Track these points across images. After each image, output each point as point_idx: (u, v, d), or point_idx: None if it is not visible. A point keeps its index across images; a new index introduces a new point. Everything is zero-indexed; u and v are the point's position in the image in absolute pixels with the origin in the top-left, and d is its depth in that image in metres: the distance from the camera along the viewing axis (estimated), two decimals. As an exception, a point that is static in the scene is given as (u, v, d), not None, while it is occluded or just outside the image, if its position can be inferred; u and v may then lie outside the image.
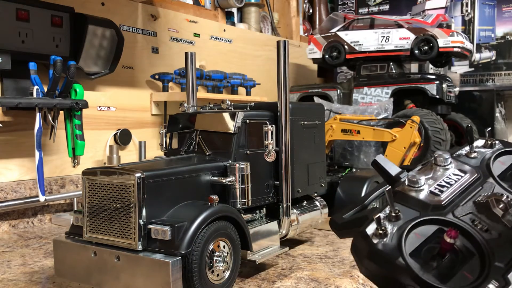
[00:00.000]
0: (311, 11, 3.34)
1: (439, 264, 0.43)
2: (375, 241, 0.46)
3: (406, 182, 0.50)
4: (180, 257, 0.80)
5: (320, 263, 1.08)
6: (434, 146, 1.88)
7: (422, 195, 0.48)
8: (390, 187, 0.50)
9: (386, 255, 0.44)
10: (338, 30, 2.40)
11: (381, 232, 0.46)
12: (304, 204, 1.18)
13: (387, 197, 0.48)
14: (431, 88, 2.11)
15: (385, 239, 0.45)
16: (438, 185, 0.51)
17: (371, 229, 0.47)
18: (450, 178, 0.51)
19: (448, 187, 0.50)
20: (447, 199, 0.47)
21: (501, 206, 0.43)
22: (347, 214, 0.56)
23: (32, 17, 1.44)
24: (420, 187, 0.49)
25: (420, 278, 0.42)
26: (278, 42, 1.06)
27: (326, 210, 1.24)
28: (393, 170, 0.54)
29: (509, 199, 0.44)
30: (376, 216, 0.47)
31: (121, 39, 1.70)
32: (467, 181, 0.51)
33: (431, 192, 0.48)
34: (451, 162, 0.54)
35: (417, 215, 0.47)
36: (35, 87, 1.41)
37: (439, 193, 0.48)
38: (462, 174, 0.52)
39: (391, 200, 0.47)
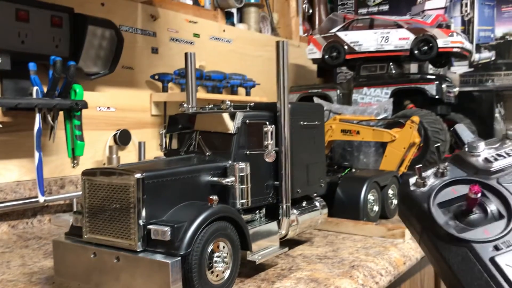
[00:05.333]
0: (310, 11, 3.34)
1: (464, 218, 0.45)
2: (412, 188, 0.50)
3: (466, 147, 0.52)
4: (179, 258, 0.80)
5: (319, 263, 1.08)
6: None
7: (475, 160, 0.51)
8: (439, 144, 0.56)
9: (415, 199, 0.48)
10: (337, 31, 2.40)
11: (420, 182, 0.49)
12: (304, 205, 1.18)
13: (435, 154, 0.54)
14: (431, 89, 2.11)
15: (421, 188, 0.49)
16: (496, 154, 0.52)
17: (414, 179, 0.51)
18: None
19: (504, 157, 0.51)
20: (497, 167, 0.49)
21: None
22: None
23: (32, 17, 1.44)
24: (477, 152, 0.51)
25: (437, 223, 0.44)
26: (277, 43, 1.06)
27: (325, 211, 1.25)
28: (468, 138, 0.57)
29: None
30: (417, 167, 0.51)
31: (121, 39, 1.70)
32: None
33: (485, 158, 0.50)
34: None
35: (464, 175, 0.49)
36: (35, 88, 1.41)
37: (493, 160, 0.50)
38: None
39: (439, 157, 0.53)
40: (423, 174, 0.51)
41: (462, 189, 0.48)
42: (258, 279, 0.98)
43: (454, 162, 0.52)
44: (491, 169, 0.49)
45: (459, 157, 0.52)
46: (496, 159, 0.51)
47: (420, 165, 0.51)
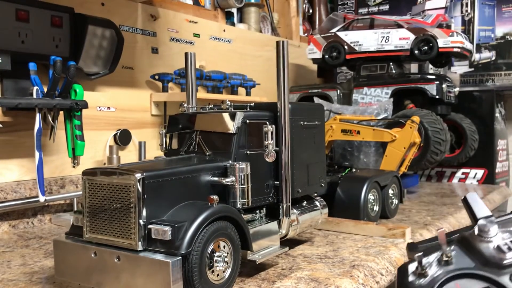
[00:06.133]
0: (311, 11, 3.34)
1: None
2: (411, 278, 0.44)
3: (476, 230, 0.45)
4: (180, 257, 0.80)
5: (320, 263, 1.08)
6: (434, 146, 1.88)
7: (486, 248, 0.44)
8: (444, 229, 0.47)
9: None
10: (338, 30, 2.40)
11: (420, 272, 0.44)
12: (304, 204, 1.18)
13: (439, 239, 0.45)
14: (431, 88, 2.11)
15: (421, 280, 0.44)
16: (510, 241, 0.45)
17: (413, 266, 0.45)
18: None
19: None
20: (511, 260, 0.42)
21: None
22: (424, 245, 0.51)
23: (32, 17, 1.44)
24: (488, 238, 0.45)
25: None
26: (277, 42, 1.06)
27: (326, 210, 1.25)
28: (481, 212, 0.48)
29: None
30: (417, 255, 0.44)
31: (121, 39, 1.70)
32: None
33: (497, 247, 0.43)
34: None
35: (471, 266, 0.43)
36: (35, 88, 1.41)
37: (507, 250, 0.43)
38: None
39: (443, 243, 0.44)
40: (425, 260, 0.45)
41: (467, 285, 0.42)
42: (259, 278, 0.98)
43: (462, 246, 0.45)
44: (504, 262, 0.42)
45: (467, 240, 0.45)
46: (510, 249, 0.44)
47: (421, 253, 0.44)
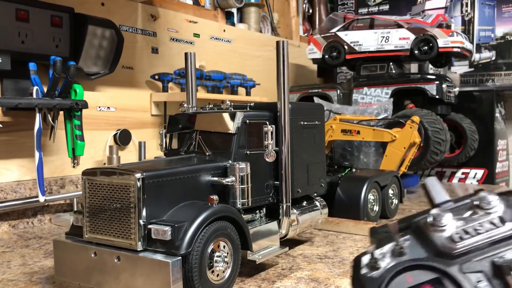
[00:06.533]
0: (311, 11, 3.34)
1: None
2: (363, 271, 0.43)
3: (429, 218, 0.44)
4: (180, 257, 0.80)
5: (320, 263, 1.08)
6: (434, 146, 1.88)
7: (438, 237, 0.43)
8: (396, 221, 0.46)
9: (364, 287, 0.42)
10: (338, 30, 2.40)
11: (373, 264, 0.43)
12: (304, 204, 1.18)
13: (390, 230, 0.44)
14: (431, 88, 2.11)
15: (373, 273, 0.42)
16: (463, 230, 0.43)
17: (367, 258, 0.43)
18: (482, 226, 0.43)
19: (472, 236, 0.43)
20: (462, 249, 0.41)
21: None
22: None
23: (32, 17, 1.44)
24: (441, 227, 0.43)
25: None
26: (277, 42, 1.06)
27: (326, 210, 1.25)
28: (439, 197, 0.47)
29: None
30: (369, 249, 0.43)
31: (121, 39, 1.70)
32: (502, 233, 0.43)
33: (450, 236, 0.42)
34: (496, 206, 0.44)
35: (424, 256, 0.42)
36: (35, 88, 1.41)
37: (458, 240, 0.42)
38: (501, 225, 0.43)
39: (396, 234, 0.43)
40: (379, 252, 0.43)
41: (418, 277, 0.41)
42: (259, 278, 0.98)
43: (416, 236, 0.44)
44: (454, 251, 0.41)
45: (421, 230, 0.44)
46: (461, 238, 0.42)
47: (372, 247, 0.43)
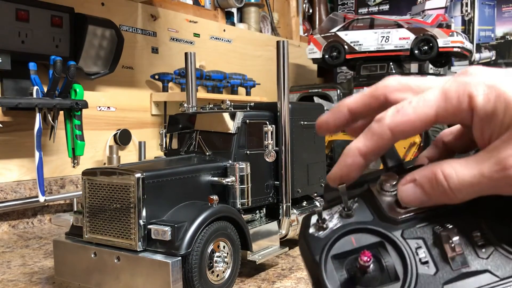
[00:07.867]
0: (311, 11, 3.34)
1: (358, 276, 0.38)
2: (311, 230, 0.42)
3: (380, 180, 0.43)
4: (180, 258, 0.80)
5: (320, 263, 1.08)
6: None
7: (386, 201, 0.42)
8: (344, 184, 0.45)
9: (310, 247, 0.41)
10: (338, 30, 2.40)
11: (321, 225, 0.42)
12: (304, 204, 1.18)
13: (339, 191, 0.44)
14: (431, 88, 2.11)
15: (320, 232, 0.42)
16: None
17: (314, 218, 0.42)
18: None
19: None
20: (407, 215, 0.40)
21: (455, 247, 0.37)
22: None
23: (32, 17, 1.44)
24: (389, 191, 0.42)
25: (323, 281, 0.39)
26: (278, 42, 1.06)
27: (326, 210, 1.24)
28: (392, 161, 0.46)
29: (476, 240, 0.37)
30: (317, 209, 0.44)
31: (121, 39, 1.70)
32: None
33: (396, 202, 0.41)
34: None
35: (369, 220, 0.41)
36: (35, 87, 1.41)
37: (405, 205, 0.41)
38: None
39: (344, 196, 0.43)
40: (327, 213, 0.43)
41: (362, 240, 0.40)
42: (259, 279, 0.98)
43: (365, 199, 0.43)
44: (399, 217, 0.40)
45: (371, 193, 0.43)
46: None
47: (320, 208, 0.43)
